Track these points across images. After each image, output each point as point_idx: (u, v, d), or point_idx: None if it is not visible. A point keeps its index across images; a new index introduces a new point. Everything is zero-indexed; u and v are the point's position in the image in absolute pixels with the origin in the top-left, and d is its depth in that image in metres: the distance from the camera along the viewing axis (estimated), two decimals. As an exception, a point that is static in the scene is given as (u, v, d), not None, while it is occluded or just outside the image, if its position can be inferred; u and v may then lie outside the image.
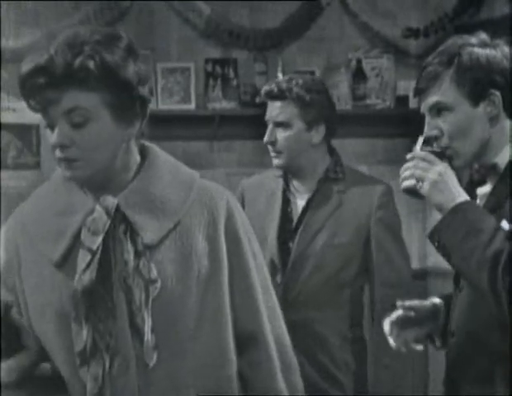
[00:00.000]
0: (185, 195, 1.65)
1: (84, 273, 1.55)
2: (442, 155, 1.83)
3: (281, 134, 2.56)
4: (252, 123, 4.09)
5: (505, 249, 1.66)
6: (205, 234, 1.64)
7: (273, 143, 2.56)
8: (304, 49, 4.42)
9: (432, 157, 1.81)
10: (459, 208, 1.75)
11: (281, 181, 2.65)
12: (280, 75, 4.25)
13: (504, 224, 1.77)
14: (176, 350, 1.60)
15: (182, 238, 1.62)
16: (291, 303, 2.47)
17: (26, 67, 1.54)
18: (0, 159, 3.97)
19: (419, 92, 1.90)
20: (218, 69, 4.30)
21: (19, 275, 1.63)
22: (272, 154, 2.58)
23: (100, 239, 1.56)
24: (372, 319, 2.58)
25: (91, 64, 1.51)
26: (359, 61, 4.39)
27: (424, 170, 1.79)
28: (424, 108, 1.90)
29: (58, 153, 1.55)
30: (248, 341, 1.69)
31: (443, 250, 1.78)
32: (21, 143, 4.03)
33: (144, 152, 1.68)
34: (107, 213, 1.58)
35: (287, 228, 2.60)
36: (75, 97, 1.53)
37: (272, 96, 2.56)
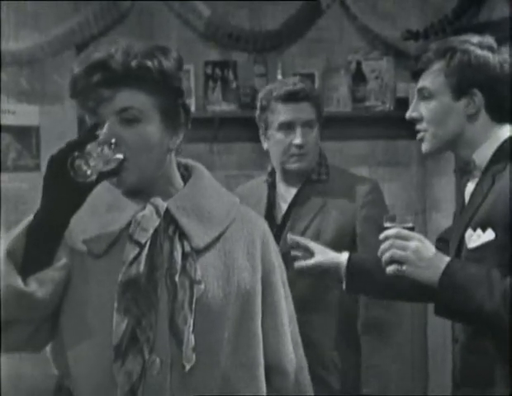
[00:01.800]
0: (228, 210, 1.71)
1: (131, 266, 1.56)
2: (412, 229, 1.86)
3: None
4: (252, 125, 4.07)
5: (507, 285, 1.71)
6: (245, 251, 1.69)
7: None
8: (304, 51, 4.42)
9: (404, 232, 1.83)
10: (447, 276, 1.78)
11: (265, 187, 2.68)
12: (280, 77, 4.25)
13: (490, 233, 1.80)
14: (210, 357, 1.60)
15: (225, 249, 1.66)
16: None
17: (83, 64, 1.54)
18: (0, 161, 3.98)
19: (415, 75, 2.01)
20: (218, 71, 4.30)
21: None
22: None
23: (149, 234, 1.59)
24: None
25: (150, 64, 1.55)
26: (359, 63, 4.40)
27: (402, 248, 1.80)
28: (415, 89, 2.02)
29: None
30: (273, 370, 1.73)
31: (453, 318, 1.85)
32: (20, 145, 4.03)
33: (189, 168, 1.74)
34: (157, 213, 1.60)
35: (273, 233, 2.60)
36: (130, 97, 1.55)
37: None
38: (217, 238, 1.65)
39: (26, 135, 4.03)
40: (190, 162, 1.77)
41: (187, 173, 1.74)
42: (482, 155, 1.92)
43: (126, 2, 4.22)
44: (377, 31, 4.40)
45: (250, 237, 1.71)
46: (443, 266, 1.78)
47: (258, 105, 2.69)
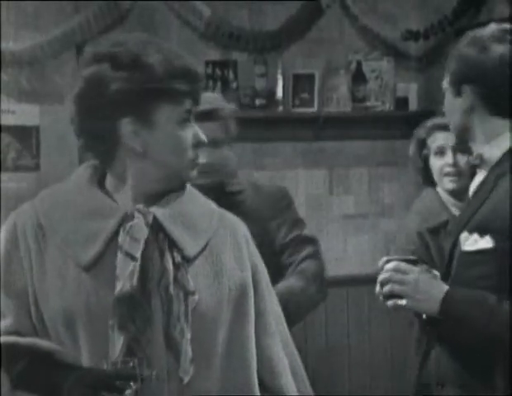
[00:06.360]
0: (211, 216, 1.68)
1: (124, 280, 1.51)
2: (415, 262, 1.87)
3: None
4: (252, 125, 4.09)
5: (505, 311, 1.72)
6: (232, 255, 1.67)
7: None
8: (304, 52, 4.42)
9: (403, 266, 1.84)
10: (445, 307, 1.79)
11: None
12: (280, 77, 4.25)
13: (488, 241, 1.79)
14: (207, 366, 1.58)
15: (212, 256, 1.63)
16: None
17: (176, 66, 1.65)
18: (0, 161, 3.98)
19: None
20: (218, 71, 4.30)
21: (32, 278, 1.56)
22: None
23: (141, 246, 1.54)
24: None
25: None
26: (359, 63, 4.40)
27: (400, 283, 1.81)
28: None
29: (192, 153, 1.62)
30: (263, 371, 1.70)
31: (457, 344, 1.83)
32: (20, 145, 4.02)
33: None
34: (146, 221, 1.57)
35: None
36: None
37: None
38: (205, 246, 1.63)
39: (25, 135, 4.02)
40: None
41: None
42: (492, 152, 1.89)
43: (126, 2, 4.22)
44: (377, 32, 4.40)
45: (234, 240, 1.69)
46: (441, 297, 1.79)
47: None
